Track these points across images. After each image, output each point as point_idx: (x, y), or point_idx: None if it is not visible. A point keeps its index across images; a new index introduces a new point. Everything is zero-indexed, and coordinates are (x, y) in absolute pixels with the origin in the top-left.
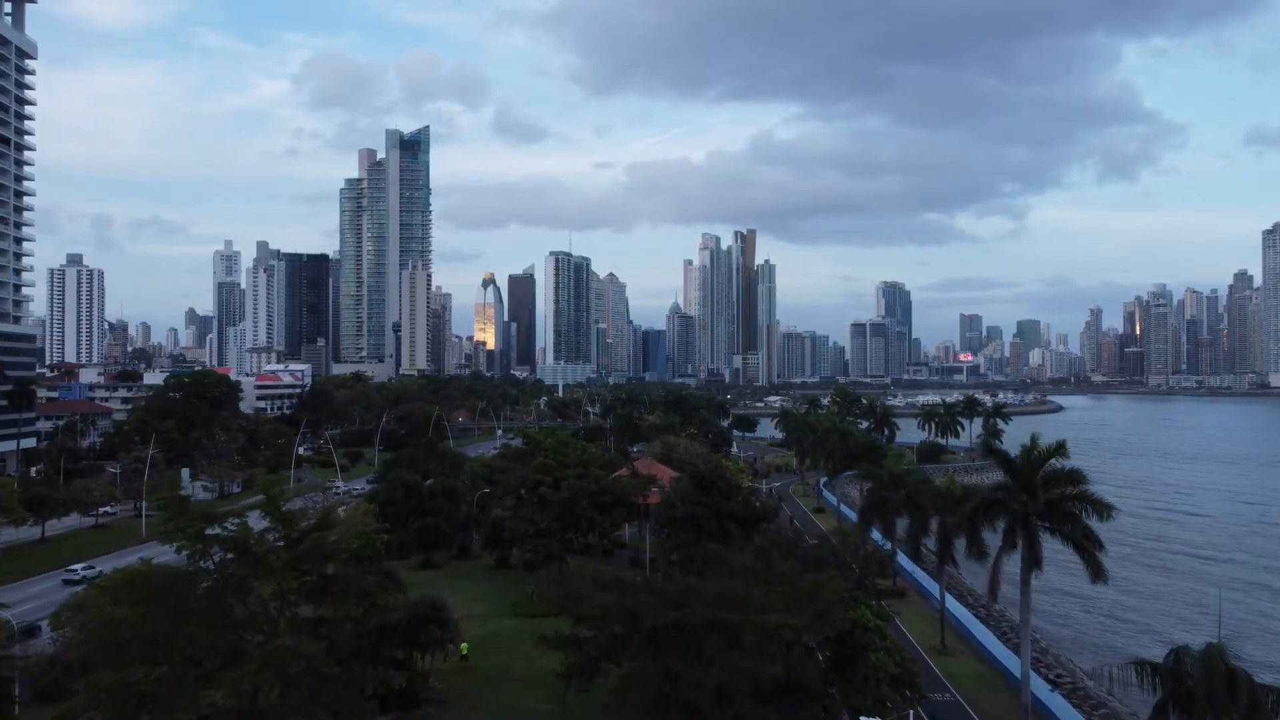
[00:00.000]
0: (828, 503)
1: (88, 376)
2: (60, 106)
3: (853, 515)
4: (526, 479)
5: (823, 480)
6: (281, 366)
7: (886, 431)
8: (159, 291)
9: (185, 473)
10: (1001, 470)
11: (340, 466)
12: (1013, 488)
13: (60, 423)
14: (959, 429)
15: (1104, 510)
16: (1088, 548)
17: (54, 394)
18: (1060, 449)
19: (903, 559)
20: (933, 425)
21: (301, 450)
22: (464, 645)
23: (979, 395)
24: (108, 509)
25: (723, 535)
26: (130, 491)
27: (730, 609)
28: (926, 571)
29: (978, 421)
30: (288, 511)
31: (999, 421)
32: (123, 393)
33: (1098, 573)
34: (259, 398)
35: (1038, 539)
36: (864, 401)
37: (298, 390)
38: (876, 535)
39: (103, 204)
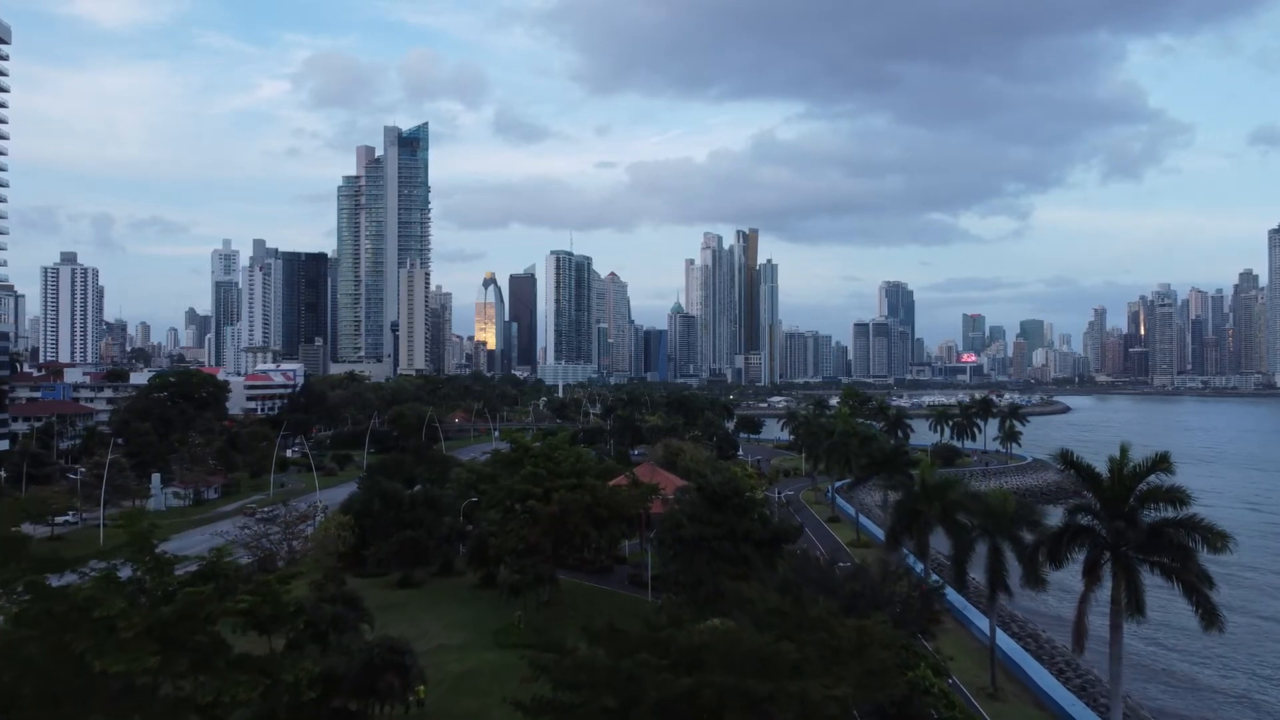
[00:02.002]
0: (843, 512)
1: (73, 376)
2: (62, 106)
3: (870, 525)
4: (513, 490)
5: (834, 486)
6: (273, 366)
7: (900, 433)
8: (160, 291)
9: (156, 478)
10: (1088, 489)
11: (326, 470)
12: (1100, 511)
13: (37, 424)
14: (975, 431)
15: (1216, 540)
16: (1200, 588)
17: (36, 394)
18: (1163, 462)
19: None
20: (946, 427)
21: (290, 453)
22: (421, 689)
23: (991, 396)
24: (68, 518)
25: (738, 559)
26: (94, 499)
27: (756, 673)
28: (965, 597)
29: (990, 423)
30: (161, 556)
31: (1016, 423)
32: (108, 393)
33: (1212, 619)
34: (249, 398)
35: (1138, 577)
36: (873, 402)
37: (289, 390)
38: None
39: (104, 204)
